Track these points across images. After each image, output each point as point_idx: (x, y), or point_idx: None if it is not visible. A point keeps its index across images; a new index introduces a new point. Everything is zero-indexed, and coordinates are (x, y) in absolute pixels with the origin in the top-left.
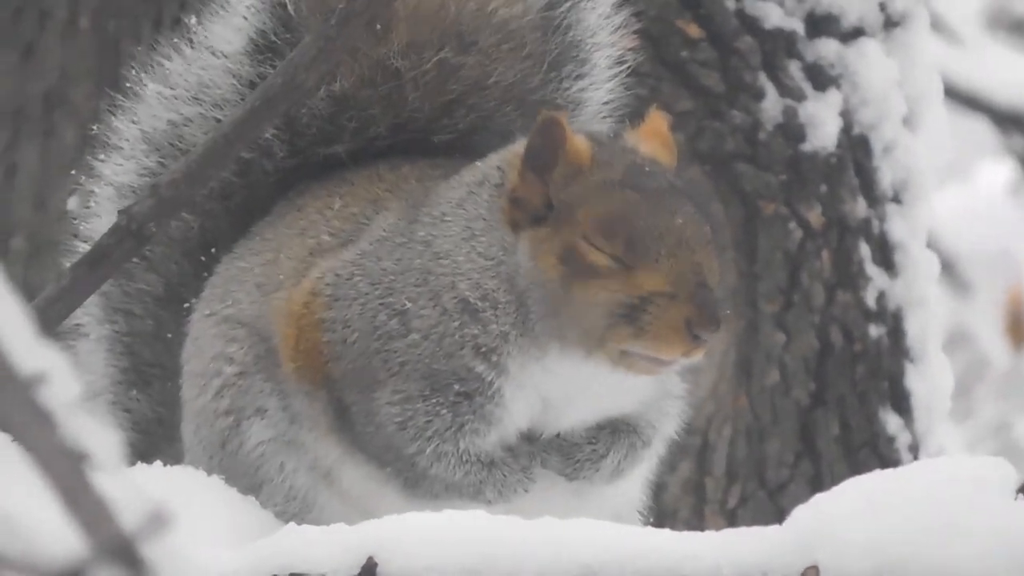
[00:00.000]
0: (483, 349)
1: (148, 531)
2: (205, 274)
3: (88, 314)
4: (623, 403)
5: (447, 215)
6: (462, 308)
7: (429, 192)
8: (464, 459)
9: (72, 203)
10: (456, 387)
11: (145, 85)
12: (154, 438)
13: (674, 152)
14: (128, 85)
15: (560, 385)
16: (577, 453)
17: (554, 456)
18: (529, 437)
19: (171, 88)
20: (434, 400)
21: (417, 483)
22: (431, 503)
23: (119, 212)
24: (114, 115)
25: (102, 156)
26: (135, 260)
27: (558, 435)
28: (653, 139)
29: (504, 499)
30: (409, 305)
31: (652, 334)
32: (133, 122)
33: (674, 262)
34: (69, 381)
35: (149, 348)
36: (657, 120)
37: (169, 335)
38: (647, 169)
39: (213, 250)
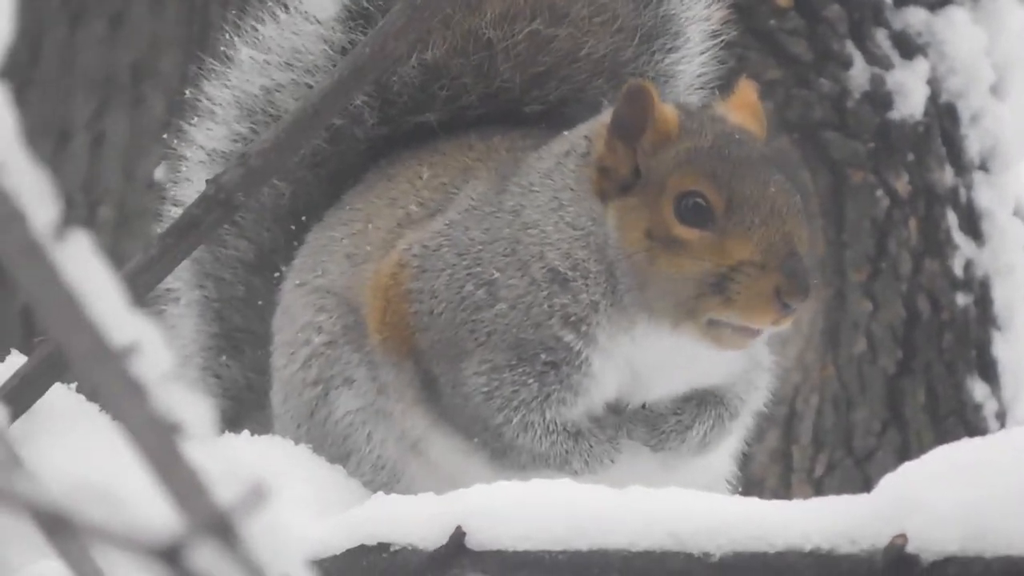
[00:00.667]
0: (572, 319)
1: (247, 505)
2: (296, 242)
3: (179, 279)
4: (711, 375)
5: (535, 185)
6: (551, 278)
7: (519, 162)
8: (551, 429)
9: (160, 172)
10: (543, 357)
11: (238, 50)
12: (244, 404)
13: (764, 122)
14: (222, 49)
15: (648, 356)
16: (663, 424)
17: (640, 427)
18: (615, 408)
19: (264, 53)
20: (521, 370)
21: (504, 454)
22: (518, 474)
23: (207, 181)
24: (207, 79)
25: (194, 120)
26: (226, 226)
27: (644, 406)
28: (743, 109)
29: (590, 470)
30: (497, 275)
31: (741, 303)
32: (226, 87)
33: (764, 231)
34: (161, 352)
35: (239, 314)
36: (747, 90)
37: (260, 302)
38: (736, 138)
39: (304, 218)
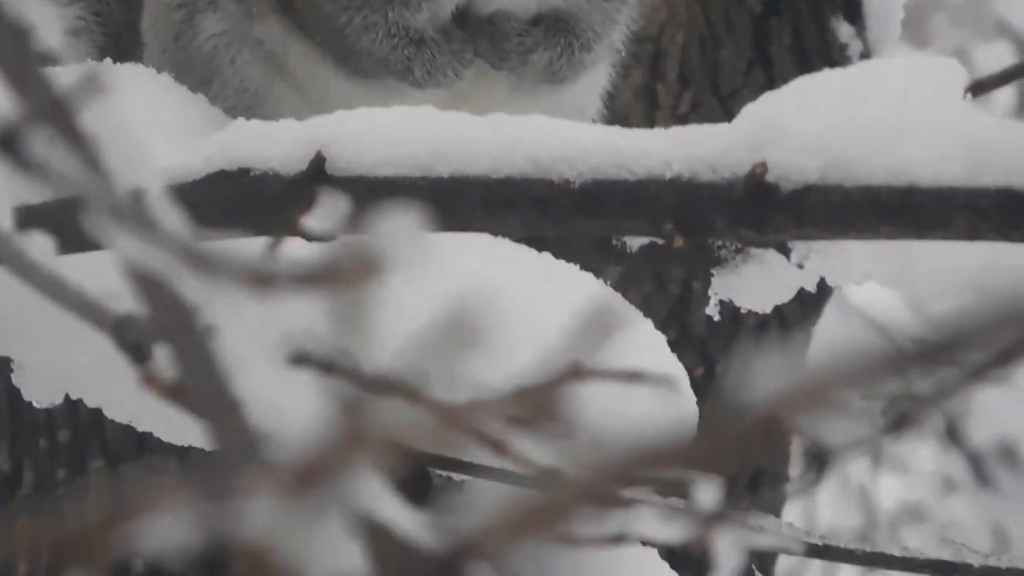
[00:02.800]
0: None
1: (84, 96)
2: None
3: None
4: None
5: None
6: None
7: None
8: (392, 32)
9: None
10: None
11: None
12: (123, 41)
13: None
14: None
15: None
16: (505, 42)
17: (484, 42)
18: (462, 22)
19: None
20: None
21: (347, 58)
22: (365, 82)
23: None
24: None
25: None
26: None
27: (491, 21)
28: None
29: (433, 81)
30: None
31: None
32: None
33: None
34: None
35: None
36: None
37: None
38: None
39: None
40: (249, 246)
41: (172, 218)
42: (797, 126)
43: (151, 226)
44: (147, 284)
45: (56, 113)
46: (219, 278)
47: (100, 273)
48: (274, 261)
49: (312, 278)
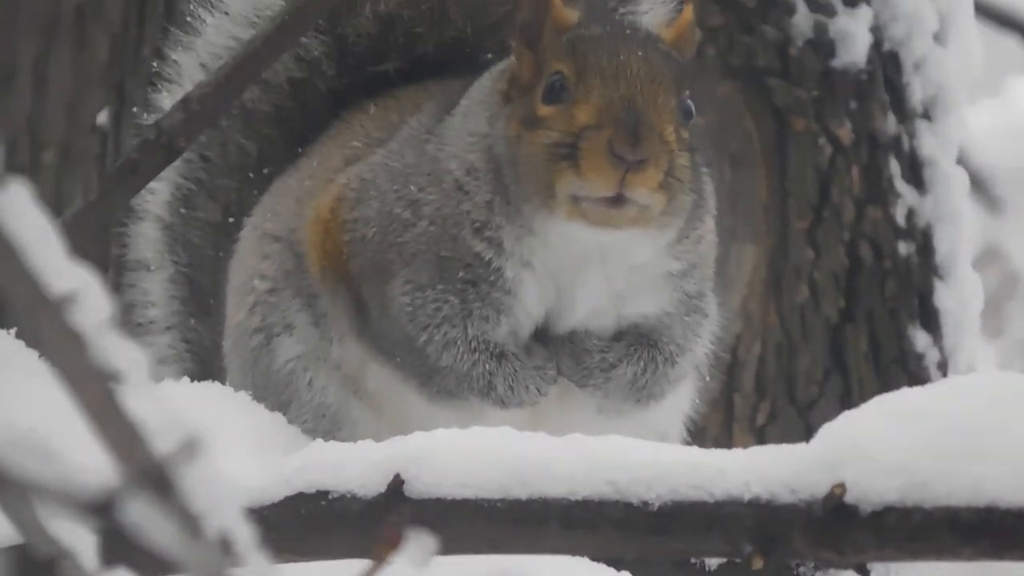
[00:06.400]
0: (476, 224)
1: (181, 456)
2: (260, 196)
3: (150, 248)
4: (636, 298)
5: (461, 107)
6: (457, 187)
7: (462, 93)
8: (473, 347)
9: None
10: (462, 274)
11: (203, 20)
12: (212, 367)
13: (692, 38)
14: (188, 20)
15: (556, 259)
16: (587, 359)
17: (567, 360)
18: (544, 339)
19: (227, 14)
20: (442, 287)
21: (430, 377)
22: (447, 403)
23: (147, 126)
24: (172, 49)
25: (162, 90)
26: (194, 187)
27: (572, 340)
28: (674, 27)
29: (516, 396)
30: (419, 194)
31: (584, 167)
32: (192, 51)
33: (603, 93)
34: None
35: (208, 276)
36: (686, 11)
37: (226, 261)
38: (626, 32)
39: (265, 171)
40: None
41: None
42: (875, 446)
43: None
44: None
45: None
46: None
47: None
48: None
49: None
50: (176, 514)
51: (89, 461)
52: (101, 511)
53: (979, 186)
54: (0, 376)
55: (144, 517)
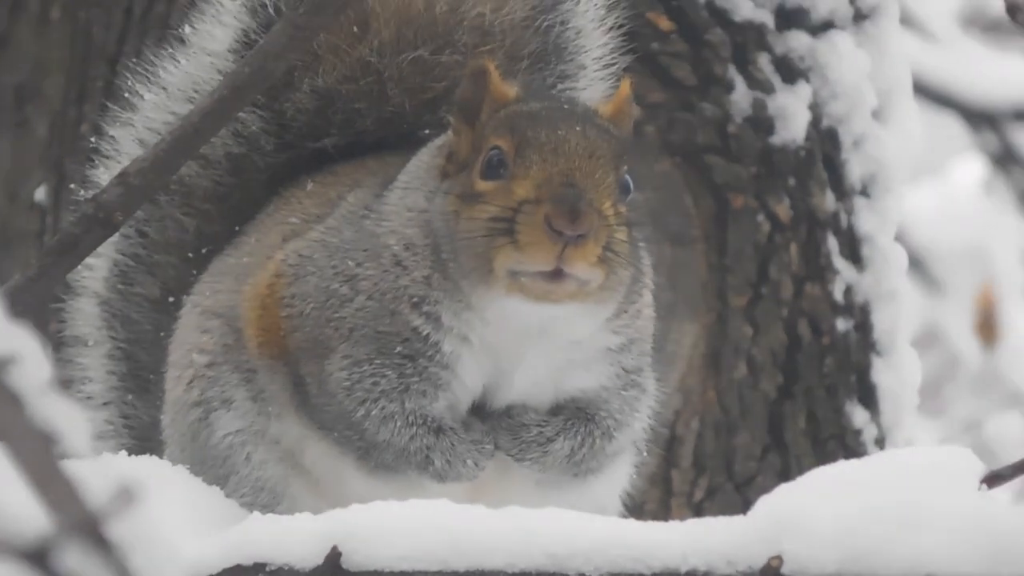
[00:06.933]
0: (414, 299)
1: (115, 509)
2: (199, 274)
3: (88, 324)
4: (574, 374)
5: (399, 183)
6: (394, 261)
7: (400, 169)
8: (411, 421)
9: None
10: (400, 349)
11: (141, 96)
12: (150, 443)
13: (629, 112)
14: (125, 95)
15: (495, 333)
16: (524, 433)
17: (504, 435)
18: (481, 414)
19: (165, 90)
20: (379, 362)
21: (368, 452)
22: (385, 477)
23: (85, 201)
24: (110, 126)
25: (100, 165)
26: (132, 263)
27: (509, 414)
28: (612, 101)
29: (453, 471)
30: (358, 269)
31: (522, 242)
32: (130, 125)
33: (542, 168)
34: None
35: (146, 352)
36: (623, 85)
37: (165, 337)
38: (564, 106)
39: (204, 250)
40: None
41: None
42: (813, 518)
43: None
44: None
45: (88, 526)
46: None
47: None
48: None
49: None
50: (111, 566)
51: (27, 515)
52: (36, 559)
53: (919, 266)
54: None
55: (80, 566)
